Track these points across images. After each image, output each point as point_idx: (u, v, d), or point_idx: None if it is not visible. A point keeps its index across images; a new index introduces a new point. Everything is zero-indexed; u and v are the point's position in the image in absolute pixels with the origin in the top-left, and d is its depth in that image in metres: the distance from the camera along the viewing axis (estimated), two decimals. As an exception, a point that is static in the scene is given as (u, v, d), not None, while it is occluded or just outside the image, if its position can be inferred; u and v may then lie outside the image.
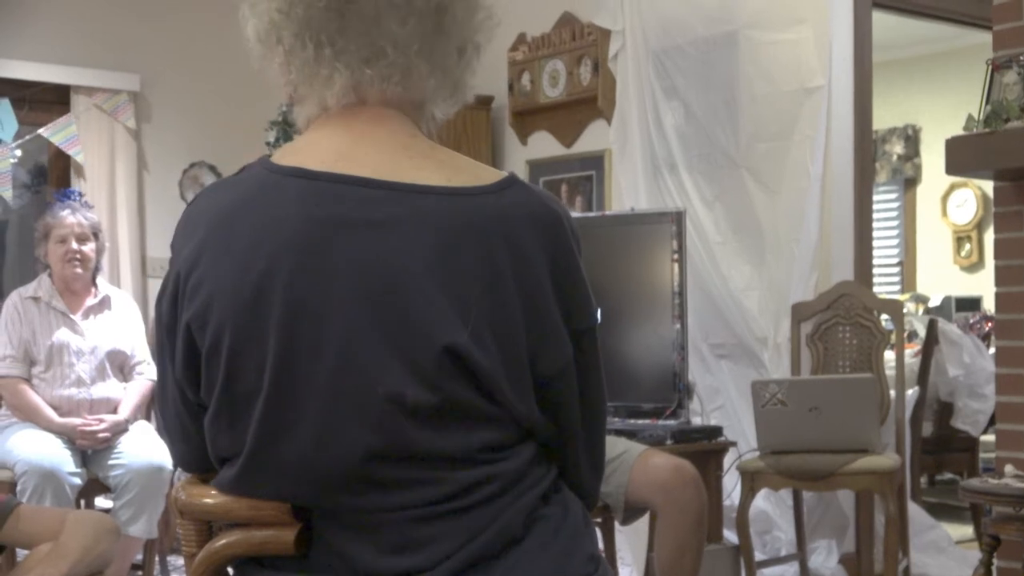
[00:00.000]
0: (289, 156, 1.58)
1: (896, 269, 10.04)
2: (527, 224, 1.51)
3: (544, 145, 6.37)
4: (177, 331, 1.57)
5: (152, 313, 1.72)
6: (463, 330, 1.45)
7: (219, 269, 1.52)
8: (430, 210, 1.48)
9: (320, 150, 1.56)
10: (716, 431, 4.33)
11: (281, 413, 1.50)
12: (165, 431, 1.71)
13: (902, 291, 9.59)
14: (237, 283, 1.50)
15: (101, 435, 4.57)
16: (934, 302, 8.39)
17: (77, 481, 4.43)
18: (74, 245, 4.69)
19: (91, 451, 4.59)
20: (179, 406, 1.62)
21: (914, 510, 5.16)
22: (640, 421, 4.23)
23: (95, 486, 4.64)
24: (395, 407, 1.46)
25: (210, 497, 1.62)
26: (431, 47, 1.58)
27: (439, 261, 1.47)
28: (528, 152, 6.42)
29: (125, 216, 6.58)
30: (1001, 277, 4.23)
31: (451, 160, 1.57)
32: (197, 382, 1.57)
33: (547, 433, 1.58)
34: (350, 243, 1.48)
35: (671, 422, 4.20)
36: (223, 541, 1.62)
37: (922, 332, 6.27)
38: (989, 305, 7.80)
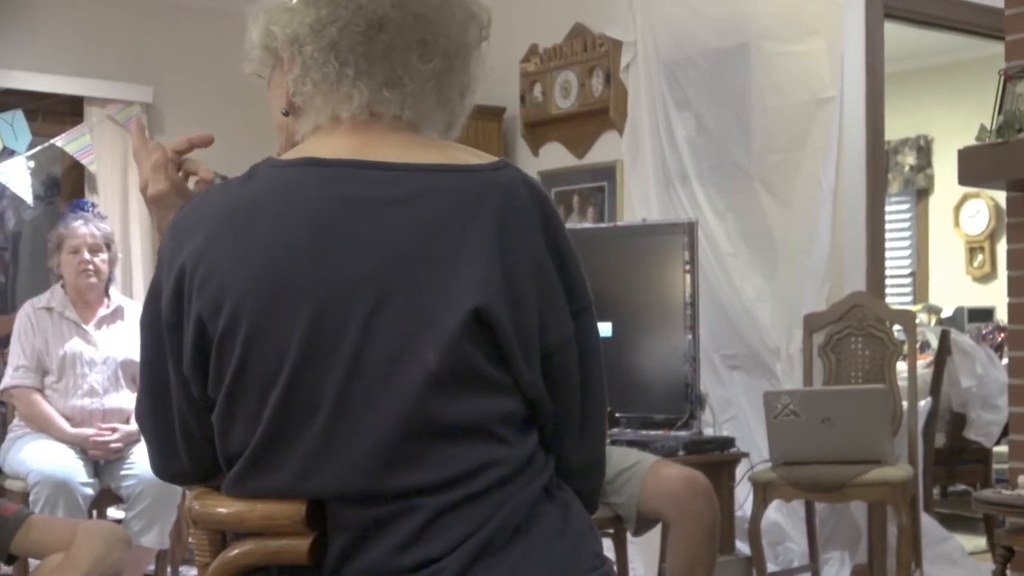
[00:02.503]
0: (299, 154, 1.63)
1: (908, 280, 10.01)
2: (526, 200, 1.58)
3: (556, 156, 6.37)
4: (184, 326, 1.58)
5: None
6: (487, 292, 1.51)
7: (233, 256, 1.55)
8: (442, 185, 1.56)
9: (331, 147, 1.61)
10: (728, 442, 4.33)
11: (303, 389, 1.52)
12: (157, 443, 1.70)
13: (914, 302, 9.57)
14: (255, 267, 1.54)
15: (113, 445, 4.57)
16: (947, 313, 8.37)
17: (89, 491, 4.44)
18: (87, 256, 4.70)
19: (103, 461, 4.60)
20: (183, 409, 1.63)
21: (927, 521, 5.14)
22: (652, 432, 4.23)
23: (107, 496, 4.64)
24: (420, 374, 1.50)
25: (224, 506, 1.62)
26: (443, 86, 1.66)
27: (456, 230, 1.53)
28: (540, 163, 6.43)
29: (138, 227, 6.59)
30: (1014, 287, 4.22)
31: (451, 146, 1.65)
32: (205, 376, 1.58)
33: (549, 409, 1.62)
34: (368, 220, 1.54)
35: (683, 433, 4.20)
36: (237, 551, 1.62)
37: (935, 343, 6.26)
38: (1002, 316, 7.77)
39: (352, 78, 1.61)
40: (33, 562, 3.45)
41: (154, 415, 1.67)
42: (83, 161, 6.41)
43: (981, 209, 9.59)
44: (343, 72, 1.61)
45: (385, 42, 1.60)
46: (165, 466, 1.71)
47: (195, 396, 1.61)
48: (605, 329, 4.23)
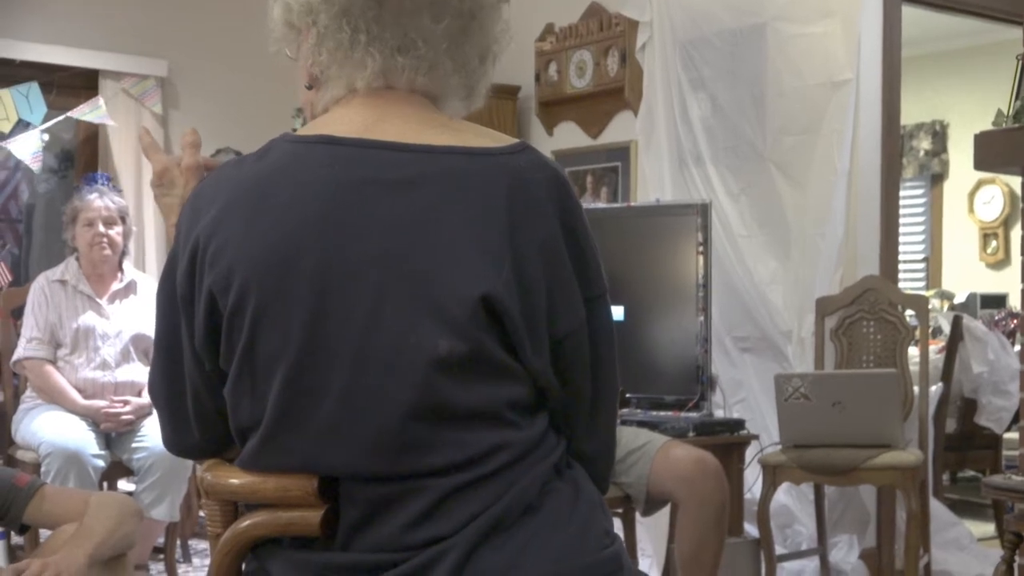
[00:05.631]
0: (315, 129, 1.62)
1: (922, 265, 10.00)
2: (541, 185, 1.55)
3: (570, 136, 6.36)
4: (196, 299, 1.58)
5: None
6: (497, 280, 1.49)
7: (245, 232, 1.54)
8: (454, 168, 1.54)
9: (345, 123, 1.60)
10: (738, 424, 4.33)
11: (309, 373, 1.52)
12: (168, 416, 1.71)
13: (927, 287, 9.56)
14: (265, 244, 1.53)
15: (125, 418, 4.59)
16: (959, 298, 8.35)
17: (101, 463, 4.46)
18: (101, 229, 4.72)
19: (115, 434, 4.62)
20: (196, 382, 1.63)
21: (936, 507, 5.15)
22: (663, 413, 4.23)
23: (118, 469, 4.67)
24: (427, 359, 1.49)
25: (236, 477, 1.63)
26: (458, 47, 1.64)
27: (466, 215, 1.51)
28: (554, 143, 6.42)
29: (151, 201, 6.59)
30: (1027, 274, 4.21)
31: (469, 127, 1.62)
32: (217, 351, 1.59)
33: (558, 396, 1.61)
34: (379, 202, 1.53)
35: (694, 414, 4.20)
36: (249, 522, 1.63)
37: (947, 328, 6.25)
38: (1015, 302, 7.76)
39: (364, 44, 1.60)
40: (44, 533, 3.47)
41: (167, 387, 1.68)
42: (105, 123, 6.36)
43: (996, 195, 9.57)
44: (355, 38, 1.60)
45: (395, 5, 1.59)
46: (176, 439, 1.72)
47: (208, 369, 1.61)
48: (617, 314, 4.22)
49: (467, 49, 1.65)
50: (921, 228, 10.03)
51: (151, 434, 4.58)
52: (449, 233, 1.51)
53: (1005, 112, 3.94)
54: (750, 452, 4.41)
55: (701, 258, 4.26)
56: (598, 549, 1.57)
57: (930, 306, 5.64)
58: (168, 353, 1.66)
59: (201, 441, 1.69)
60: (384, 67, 1.61)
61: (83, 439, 4.45)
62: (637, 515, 3.80)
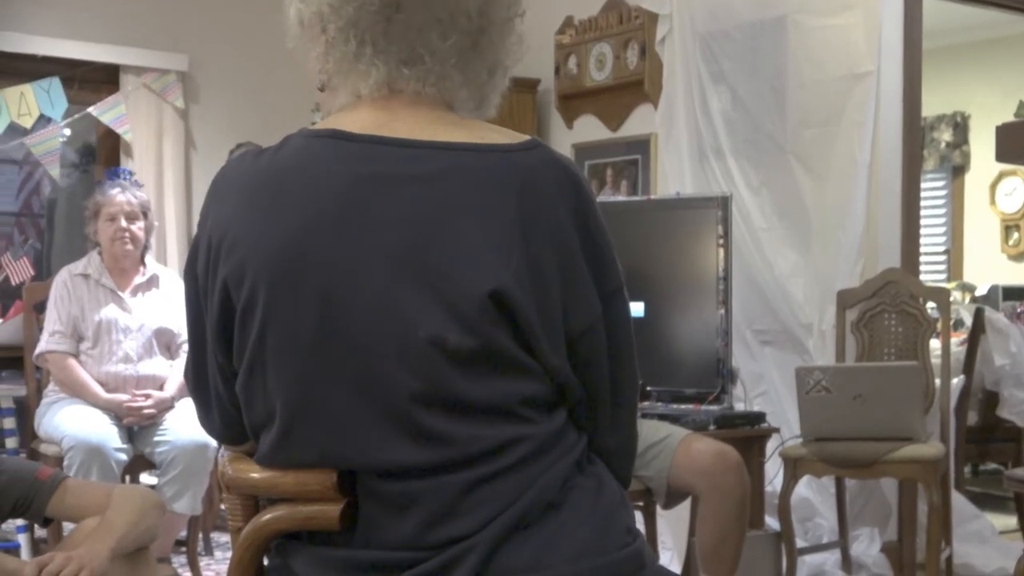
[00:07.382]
0: (328, 126, 1.63)
1: (943, 257, 9.97)
2: (553, 181, 1.56)
3: (590, 129, 6.36)
4: (211, 291, 1.59)
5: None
6: (506, 275, 1.49)
7: (257, 227, 1.56)
8: (465, 164, 1.54)
9: (358, 121, 1.61)
10: (759, 417, 4.32)
11: (321, 366, 1.53)
12: (197, 402, 1.73)
13: (949, 279, 9.53)
14: (277, 239, 1.54)
15: (147, 411, 4.61)
16: (981, 291, 8.32)
17: (123, 457, 4.47)
18: (123, 223, 4.73)
19: (137, 427, 4.64)
20: (215, 374, 1.65)
21: (957, 500, 5.13)
22: (683, 406, 4.23)
23: (140, 462, 4.68)
24: (436, 351, 1.49)
25: (256, 472, 1.64)
26: (467, 62, 1.64)
27: (477, 211, 1.52)
28: (574, 136, 6.42)
29: (172, 195, 6.62)
30: (1050, 266, 4.19)
31: (481, 125, 1.63)
32: (229, 345, 1.60)
33: (577, 393, 1.61)
34: (389, 197, 1.53)
35: (714, 408, 4.19)
36: (269, 516, 1.63)
37: (968, 321, 6.23)
38: (1037, 295, 7.74)
39: (370, 56, 1.61)
40: (68, 526, 3.49)
41: (196, 373, 1.70)
42: (118, 131, 6.42)
43: (1017, 187, 9.52)
44: (361, 50, 1.61)
45: (403, 21, 1.60)
46: (207, 424, 1.74)
47: (220, 363, 1.63)
48: (637, 309, 4.22)
49: (476, 64, 1.65)
50: (942, 220, 10.00)
51: (173, 427, 4.59)
52: (460, 228, 1.51)
53: (1027, 104, 3.92)
54: (771, 445, 4.41)
55: (721, 251, 4.25)
56: (619, 547, 1.57)
57: (951, 298, 5.62)
58: (196, 338, 1.68)
59: (222, 428, 1.71)
60: (388, 78, 1.61)
61: (105, 432, 4.46)
62: (658, 508, 3.80)
